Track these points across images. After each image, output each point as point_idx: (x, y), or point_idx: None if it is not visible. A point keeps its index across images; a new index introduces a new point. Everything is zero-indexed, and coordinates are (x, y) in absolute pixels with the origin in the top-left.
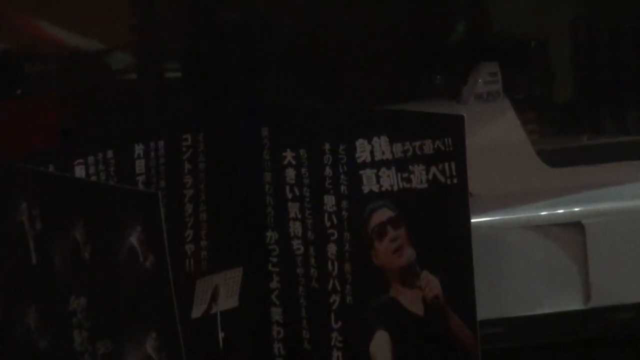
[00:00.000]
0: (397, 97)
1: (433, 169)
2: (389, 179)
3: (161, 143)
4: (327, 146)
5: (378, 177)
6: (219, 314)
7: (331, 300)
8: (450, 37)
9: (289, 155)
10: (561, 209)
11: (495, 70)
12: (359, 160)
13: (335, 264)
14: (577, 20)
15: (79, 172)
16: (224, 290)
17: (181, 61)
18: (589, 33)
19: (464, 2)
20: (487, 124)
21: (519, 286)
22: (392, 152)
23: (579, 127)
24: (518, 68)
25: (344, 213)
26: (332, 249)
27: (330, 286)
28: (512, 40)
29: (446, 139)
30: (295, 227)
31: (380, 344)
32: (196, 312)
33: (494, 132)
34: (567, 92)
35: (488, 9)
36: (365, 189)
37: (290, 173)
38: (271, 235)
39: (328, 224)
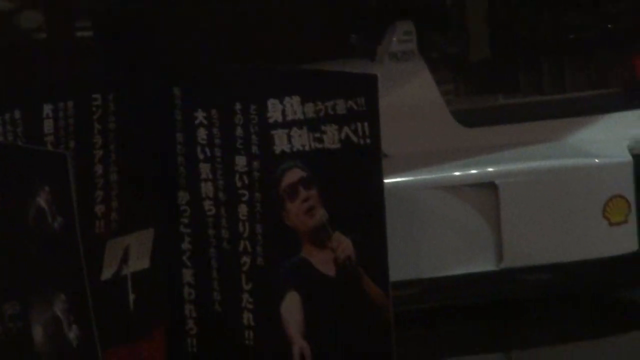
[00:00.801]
0: (310, 56)
1: (345, 129)
2: (301, 139)
3: (70, 103)
4: (238, 106)
5: (290, 137)
6: (129, 276)
7: (242, 261)
8: None
9: (200, 115)
10: (474, 170)
11: (410, 29)
12: (271, 121)
13: (247, 225)
14: None
15: None
16: (134, 252)
17: (92, 20)
18: None
19: None
20: (401, 83)
21: (431, 247)
22: (303, 112)
23: (495, 86)
24: (433, 27)
25: (256, 174)
26: (243, 209)
27: (241, 247)
28: None
29: (359, 99)
30: (207, 188)
31: (291, 305)
32: (106, 274)
33: (408, 91)
34: (483, 51)
35: None
36: (277, 149)
37: (202, 133)
38: (182, 196)
39: (239, 184)
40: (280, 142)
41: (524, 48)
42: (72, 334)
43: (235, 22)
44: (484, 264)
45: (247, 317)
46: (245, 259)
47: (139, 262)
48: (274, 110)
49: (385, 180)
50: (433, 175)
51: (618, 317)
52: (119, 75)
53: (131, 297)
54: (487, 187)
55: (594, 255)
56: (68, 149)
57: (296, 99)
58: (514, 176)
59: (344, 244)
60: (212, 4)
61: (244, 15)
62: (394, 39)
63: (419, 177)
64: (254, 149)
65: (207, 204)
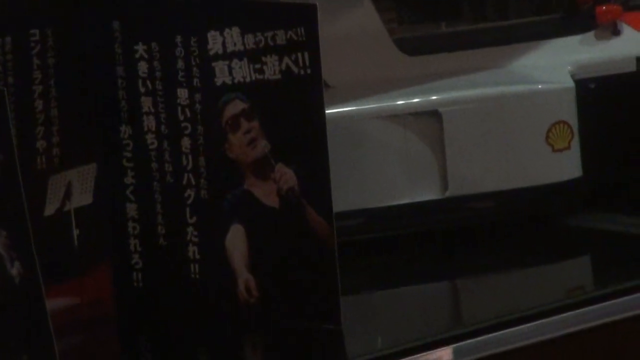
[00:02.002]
0: None
1: (286, 60)
2: (242, 71)
3: (8, 39)
4: (179, 38)
5: (230, 69)
6: (72, 211)
7: (186, 194)
8: None
9: (140, 48)
10: (418, 98)
11: None
12: (211, 52)
13: (190, 157)
14: None
15: None
16: (77, 187)
17: None
18: None
19: None
20: (342, 12)
21: (376, 177)
22: (244, 43)
23: (438, 14)
24: None
25: (197, 106)
26: (186, 142)
27: (184, 180)
28: None
29: (299, 29)
30: (149, 121)
31: (236, 238)
32: (49, 210)
33: (350, 20)
34: None
35: None
36: (218, 81)
37: (143, 66)
38: (125, 129)
39: (182, 117)
40: (221, 73)
41: None
42: (15, 270)
43: None
44: (429, 193)
45: (192, 251)
46: (189, 192)
47: (82, 197)
48: (215, 42)
49: (327, 111)
50: (376, 105)
51: (562, 242)
52: (58, 10)
53: (75, 232)
54: (430, 115)
55: (538, 182)
56: (7, 85)
57: (236, 30)
58: (457, 104)
59: (286, 175)
60: None
61: None
62: None
63: (361, 107)
64: (195, 81)
65: (150, 138)
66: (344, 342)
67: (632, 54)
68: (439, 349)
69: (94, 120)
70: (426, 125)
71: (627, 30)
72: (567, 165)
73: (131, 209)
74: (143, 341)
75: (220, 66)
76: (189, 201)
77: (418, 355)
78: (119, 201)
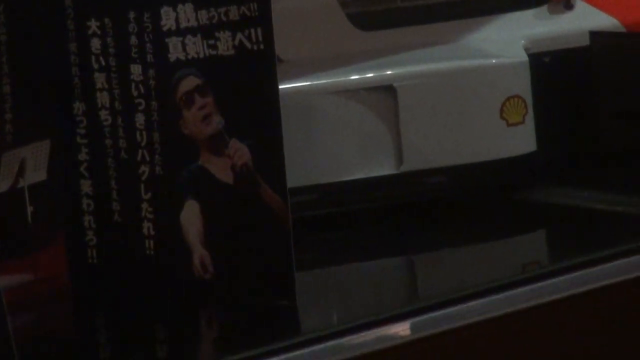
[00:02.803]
0: None
1: (239, 35)
2: (195, 47)
3: None
4: (132, 14)
5: (184, 45)
6: (26, 188)
7: (140, 171)
8: None
9: (93, 24)
10: (372, 73)
11: None
12: (165, 28)
13: (144, 134)
14: None
15: None
16: (31, 164)
17: None
18: None
19: None
20: None
21: (330, 152)
22: (197, 19)
23: None
24: None
25: (151, 82)
26: (140, 118)
27: (139, 157)
28: None
29: (252, 4)
30: (103, 98)
31: (191, 213)
32: (2, 187)
33: None
34: None
35: None
36: (172, 57)
37: (96, 43)
38: (78, 106)
39: (135, 93)
40: (175, 49)
41: None
42: None
43: None
44: (384, 168)
45: (147, 227)
46: (144, 168)
47: (36, 174)
48: (168, 17)
49: (281, 86)
50: (330, 80)
51: (517, 217)
52: None
53: (29, 209)
54: (385, 90)
55: (493, 157)
56: None
57: (189, 6)
58: (411, 78)
59: (240, 151)
60: None
61: None
62: None
63: (315, 82)
64: (149, 57)
65: (104, 114)
66: (298, 318)
67: (585, 28)
68: (394, 324)
69: (47, 96)
70: (380, 100)
71: (580, 4)
72: (522, 140)
73: (85, 185)
74: (98, 317)
75: (173, 42)
76: (144, 177)
77: (373, 330)
78: (73, 178)
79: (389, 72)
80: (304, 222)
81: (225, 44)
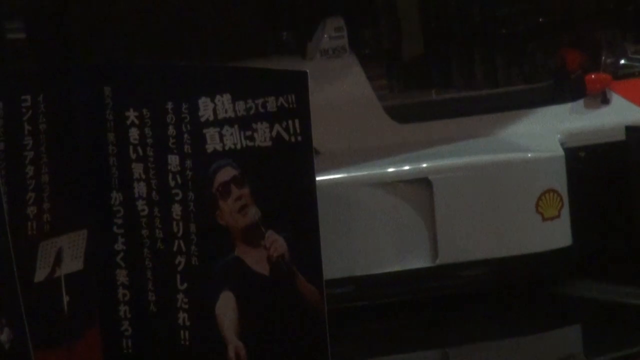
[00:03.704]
0: (242, 54)
1: (277, 127)
2: (233, 138)
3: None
4: (170, 105)
5: (221, 136)
6: (63, 277)
7: (176, 261)
8: None
9: (132, 114)
10: (408, 165)
11: (340, 24)
12: (202, 119)
13: (180, 224)
14: None
15: None
16: (68, 253)
17: (22, 20)
18: None
19: None
20: (333, 79)
21: (366, 244)
22: (235, 110)
23: (428, 82)
24: (365, 22)
25: (188, 173)
26: (176, 209)
27: (175, 247)
28: None
29: (289, 96)
30: (140, 188)
31: (226, 305)
32: (39, 276)
33: (340, 88)
34: (415, 46)
35: None
36: (209, 148)
37: (134, 133)
38: (116, 196)
39: (172, 184)
40: (212, 140)
41: (456, 43)
42: (5, 336)
43: (166, 19)
44: (420, 261)
45: (182, 318)
46: (180, 259)
47: (73, 263)
48: (206, 108)
49: (318, 178)
50: (366, 172)
51: (553, 311)
52: (49, 75)
53: (65, 298)
54: (421, 183)
55: (528, 250)
56: None
57: (227, 97)
58: (447, 172)
59: (277, 242)
60: (141, 2)
61: (175, 12)
62: (325, 35)
63: (351, 174)
64: (187, 147)
65: (141, 204)
66: None
67: (621, 123)
68: None
69: (85, 186)
70: (416, 193)
71: (616, 99)
72: (557, 234)
73: (121, 275)
74: None
75: (211, 133)
76: (180, 267)
77: None
78: (110, 267)
79: (424, 165)
80: (340, 314)
81: (262, 135)
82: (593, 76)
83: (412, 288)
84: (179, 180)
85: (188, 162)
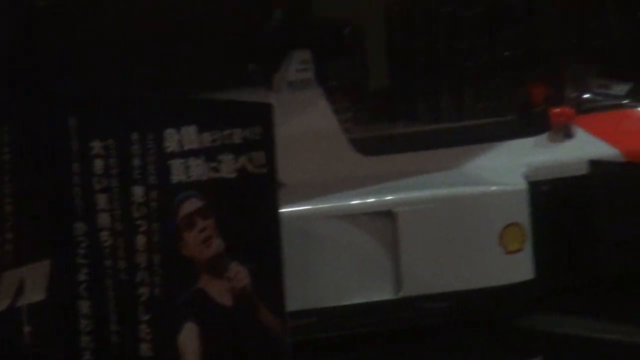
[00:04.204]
0: (208, 85)
1: (242, 159)
2: (198, 169)
3: None
4: (135, 136)
5: (187, 167)
6: (24, 308)
7: (140, 292)
8: (263, 24)
9: (97, 145)
10: (372, 198)
11: (307, 57)
12: (168, 150)
13: (144, 255)
14: (391, 7)
15: None
16: (30, 283)
17: None
18: (403, 19)
19: None
20: (298, 112)
21: (329, 276)
22: (200, 141)
23: (394, 115)
24: (331, 55)
25: (153, 204)
26: (141, 240)
27: (138, 278)
28: (325, 27)
29: (255, 128)
30: (104, 219)
31: (189, 336)
32: (1, 306)
33: (306, 120)
34: (382, 79)
35: None
36: (174, 179)
37: (99, 163)
38: (80, 226)
39: (137, 215)
40: (177, 172)
41: (422, 77)
42: None
43: (130, 50)
44: (383, 293)
45: (144, 348)
46: (143, 290)
47: (35, 293)
48: (171, 140)
49: (282, 210)
50: (331, 204)
51: (515, 344)
52: (13, 105)
53: (26, 329)
54: (385, 215)
55: (491, 284)
56: None
57: (193, 128)
58: (412, 204)
59: (240, 274)
60: (105, 34)
61: (140, 43)
62: (291, 67)
63: (316, 206)
64: (152, 179)
65: (104, 235)
66: None
67: (584, 157)
68: None
69: (48, 216)
70: (380, 225)
71: (580, 133)
72: (520, 267)
73: (84, 305)
74: None
75: (176, 164)
76: (143, 298)
77: None
78: (72, 298)
79: (389, 197)
80: (303, 346)
81: (227, 166)
82: (557, 110)
83: (376, 320)
84: (144, 212)
85: (153, 194)
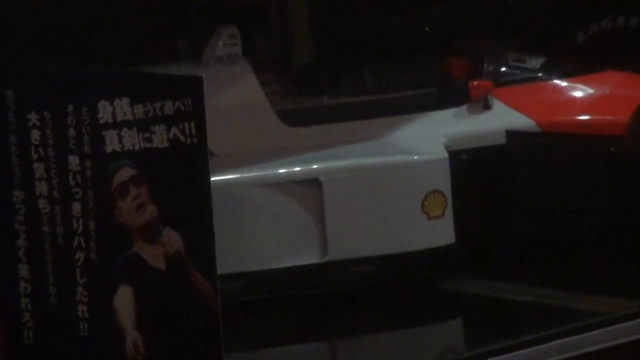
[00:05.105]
0: (140, 60)
1: (174, 129)
2: (131, 139)
3: None
4: (70, 108)
5: (120, 138)
6: None
7: (76, 257)
8: (193, 2)
9: (33, 117)
10: (299, 167)
11: (234, 33)
12: (102, 122)
13: (80, 221)
14: None
15: None
16: None
17: None
18: None
19: None
20: (227, 85)
21: (258, 242)
22: (133, 113)
23: (318, 88)
24: (259, 31)
25: (88, 172)
26: (76, 207)
27: (75, 243)
28: (251, 4)
29: (186, 100)
30: (41, 187)
31: (124, 298)
32: None
33: (234, 93)
34: (307, 54)
35: None
36: (108, 149)
37: (35, 134)
38: (17, 194)
39: (73, 183)
40: (111, 142)
41: (346, 51)
42: None
43: (64, 24)
44: (310, 257)
45: (81, 310)
46: (79, 254)
47: None
48: (105, 111)
49: (213, 178)
50: (259, 173)
51: (437, 305)
52: None
53: None
54: (311, 183)
55: (414, 248)
56: None
57: (126, 101)
58: (336, 173)
59: (173, 239)
60: (39, 8)
61: (74, 18)
62: (219, 42)
63: (245, 175)
64: (86, 148)
65: (42, 202)
66: None
67: (502, 128)
68: None
69: None
70: (307, 193)
71: (498, 105)
72: (442, 232)
73: (23, 269)
74: None
75: (110, 135)
76: (79, 263)
77: None
78: (12, 262)
79: (314, 166)
80: (233, 308)
81: (160, 137)
82: (476, 83)
83: (303, 283)
84: (79, 180)
85: (88, 163)
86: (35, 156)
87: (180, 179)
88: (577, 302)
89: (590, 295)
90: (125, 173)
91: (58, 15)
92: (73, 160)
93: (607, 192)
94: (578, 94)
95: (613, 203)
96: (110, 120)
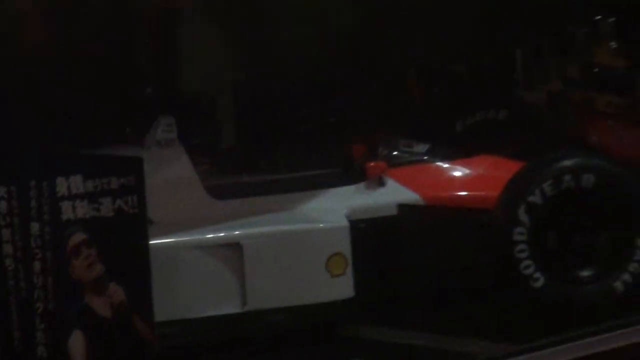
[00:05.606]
0: (93, 143)
1: (118, 201)
2: (83, 209)
3: None
4: (32, 183)
5: (74, 208)
6: None
7: (36, 306)
8: (140, 94)
9: (2, 190)
10: (223, 233)
11: (171, 122)
12: (59, 195)
13: (40, 278)
14: (239, 82)
15: None
16: None
17: None
18: (250, 92)
19: (150, 67)
20: (164, 165)
21: (189, 294)
22: (85, 187)
23: (241, 167)
24: (193, 120)
25: (47, 237)
26: (37, 266)
27: (36, 295)
28: (187, 98)
29: (129, 177)
30: (7, 248)
31: (77, 341)
32: None
33: (170, 171)
34: (232, 138)
35: (171, 71)
36: (64, 217)
37: (3, 205)
38: None
39: (34, 245)
40: (67, 211)
41: (265, 136)
42: None
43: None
44: (231, 307)
45: (41, 351)
46: (39, 305)
47: None
48: (62, 186)
49: (151, 241)
50: (190, 238)
51: (338, 349)
52: None
53: None
54: (233, 246)
55: (320, 300)
56: None
57: (79, 177)
58: (255, 238)
59: (117, 292)
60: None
61: (44, 101)
62: (159, 129)
63: (178, 239)
64: (46, 217)
65: (8, 261)
66: None
67: (394, 201)
68: None
69: None
70: (230, 254)
71: (390, 183)
72: (343, 288)
73: None
74: None
75: (66, 205)
76: (39, 311)
77: None
78: None
79: (237, 232)
80: (170, 350)
81: (107, 207)
82: (372, 164)
83: (227, 329)
84: (39, 243)
85: (47, 228)
86: (3, 223)
87: (123, 242)
88: (460, 345)
89: (469, 338)
90: (78, 237)
91: (29, 95)
92: (34, 227)
93: (479, 253)
94: (457, 173)
95: (484, 261)
96: (66, 193)
